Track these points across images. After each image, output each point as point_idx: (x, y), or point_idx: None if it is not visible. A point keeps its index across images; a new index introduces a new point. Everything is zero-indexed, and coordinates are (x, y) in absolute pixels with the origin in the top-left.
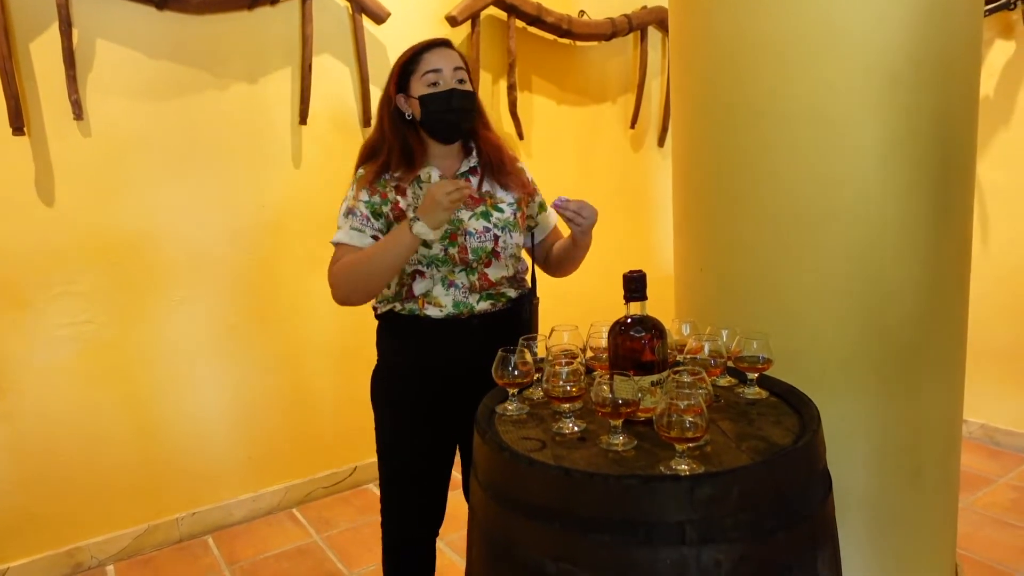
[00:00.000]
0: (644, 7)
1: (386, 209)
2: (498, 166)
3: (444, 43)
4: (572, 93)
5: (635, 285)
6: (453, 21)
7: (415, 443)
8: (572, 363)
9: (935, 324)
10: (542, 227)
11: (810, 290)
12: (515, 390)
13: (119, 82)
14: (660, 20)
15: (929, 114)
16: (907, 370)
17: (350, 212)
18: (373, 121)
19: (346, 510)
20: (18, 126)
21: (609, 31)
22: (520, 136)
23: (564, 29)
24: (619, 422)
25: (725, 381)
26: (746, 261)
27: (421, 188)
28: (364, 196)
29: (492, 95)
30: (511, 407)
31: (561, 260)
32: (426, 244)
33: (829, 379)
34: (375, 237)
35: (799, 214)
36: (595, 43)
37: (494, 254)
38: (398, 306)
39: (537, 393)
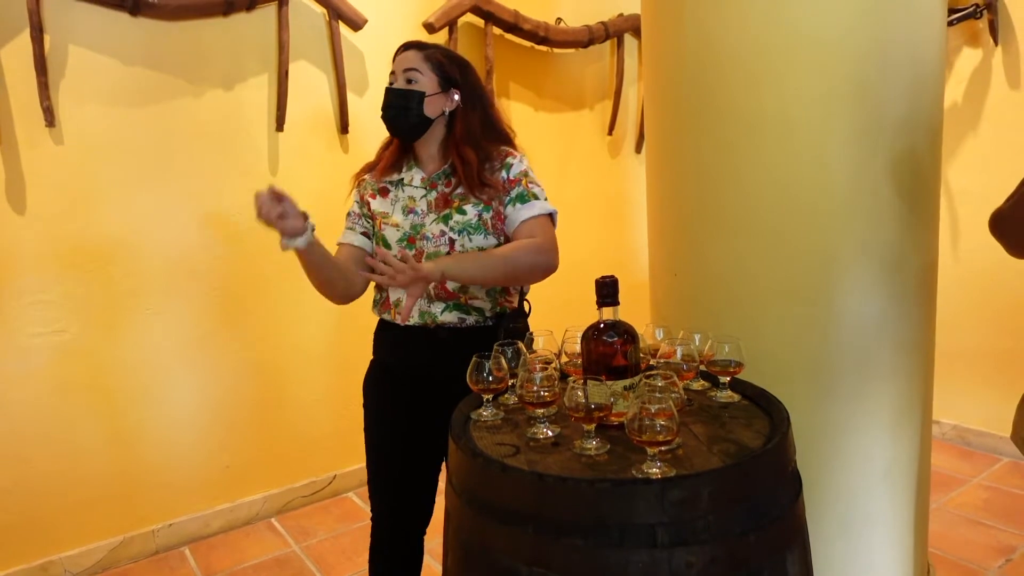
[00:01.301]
0: (621, 15)
1: (365, 209)
2: (466, 178)
3: (411, 46)
4: (550, 100)
5: (607, 290)
6: (430, 28)
7: (394, 443)
8: (546, 368)
9: (902, 326)
10: (511, 220)
11: (779, 294)
12: (490, 396)
13: (92, 89)
14: (636, 27)
15: (896, 123)
16: (875, 372)
17: (349, 213)
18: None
19: (325, 519)
20: None
21: (586, 38)
22: None
23: (541, 36)
24: (592, 426)
25: (698, 385)
26: (716, 266)
27: (403, 190)
28: (355, 195)
29: None
30: (486, 413)
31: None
32: (386, 245)
33: (799, 381)
34: (365, 234)
35: (767, 220)
36: (572, 50)
37: None
38: (378, 311)
39: (512, 399)
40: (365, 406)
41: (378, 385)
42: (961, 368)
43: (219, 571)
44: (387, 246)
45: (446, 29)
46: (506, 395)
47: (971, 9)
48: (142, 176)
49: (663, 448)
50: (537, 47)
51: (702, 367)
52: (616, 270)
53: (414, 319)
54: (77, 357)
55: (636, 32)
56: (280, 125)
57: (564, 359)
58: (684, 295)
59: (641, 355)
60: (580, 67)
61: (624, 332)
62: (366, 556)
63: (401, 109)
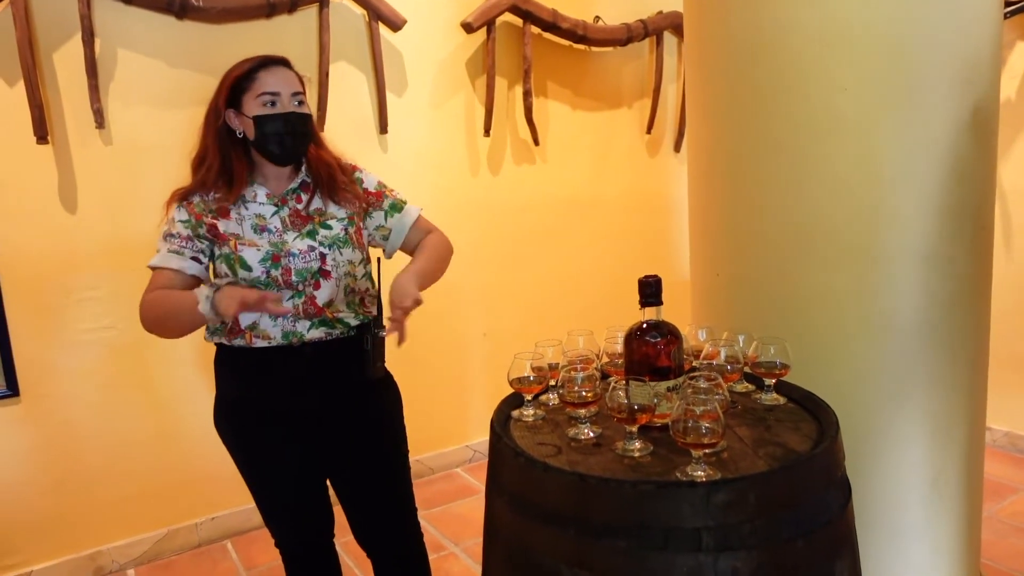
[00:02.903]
0: (660, 12)
1: (202, 231)
2: (329, 182)
3: (282, 62)
4: (587, 99)
5: (650, 290)
6: (468, 28)
7: (274, 472)
8: (588, 368)
9: (953, 331)
10: (398, 230)
11: (826, 297)
12: (531, 395)
13: (140, 91)
14: (676, 25)
15: (948, 122)
16: (926, 377)
17: (168, 235)
18: (198, 135)
19: None
20: (42, 135)
21: (624, 36)
22: (536, 142)
23: (579, 35)
24: (635, 428)
25: (742, 387)
26: (762, 267)
27: (247, 208)
28: (181, 216)
29: (508, 101)
30: (527, 412)
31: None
32: (246, 267)
33: (844, 385)
34: (195, 259)
35: (815, 219)
36: (610, 48)
37: (322, 274)
38: (225, 340)
39: (553, 398)
40: (232, 447)
41: (237, 419)
42: (1013, 373)
43: (259, 565)
44: (247, 268)
45: (484, 28)
46: (546, 394)
47: None
48: (186, 176)
49: (708, 451)
50: (575, 45)
51: (746, 369)
52: (654, 269)
53: (276, 340)
54: (124, 353)
55: (675, 30)
56: (320, 126)
57: (604, 359)
58: (726, 295)
59: (684, 356)
60: (618, 65)
61: (668, 332)
62: None
63: (303, 136)
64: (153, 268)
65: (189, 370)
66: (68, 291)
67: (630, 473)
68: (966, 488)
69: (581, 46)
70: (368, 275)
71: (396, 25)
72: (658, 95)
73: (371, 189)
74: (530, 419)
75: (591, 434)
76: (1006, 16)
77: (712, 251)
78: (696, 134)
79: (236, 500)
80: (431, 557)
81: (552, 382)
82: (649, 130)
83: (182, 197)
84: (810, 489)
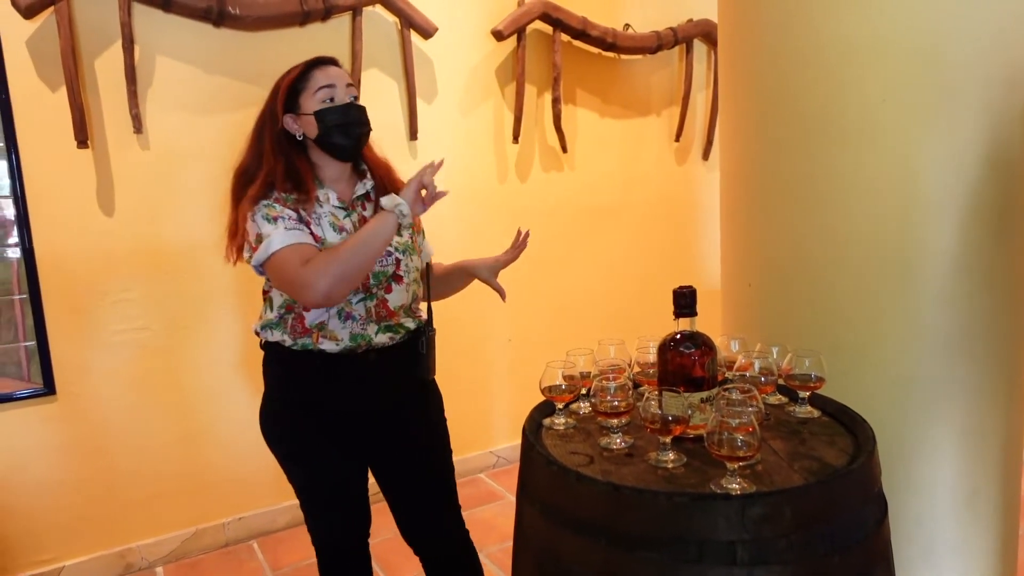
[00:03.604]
0: (690, 20)
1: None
2: (390, 187)
3: (332, 60)
4: (616, 106)
5: (685, 301)
6: (499, 35)
7: (327, 475)
8: (620, 378)
9: (991, 343)
10: (425, 252)
11: (861, 307)
12: (562, 404)
13: (177, 97)
14: (706, 33)
15: (988, 131)
16: (962, 390)
17: (276, 218)
18: (244, 145)
19: (389, 519)
20: (82, 139)
21: (654, 44)
22: (564, 149)
23: (609, 42)
24: (668, 438)
25: (775, 399)
26: (796, 277)
27: (322, 207)
28: (271, 204)
29: (537, 108)
30: (559, 421)
31: (440, 292)
32: None
33: (880, 399)
34: (314, 236)
35: (850, 230)
36: (640, 56)
37: (395, 278)
38: (287, 339)
39: (584, 407)
40: (281, 448)
41: (295, 422)
42: None
43: (285, 566)
44: None
45: (515, 36)
46: (577, 403)
47: None
48: (221, 182)
49: (743, 463)
50: (604, 53)
51: (780, 381)
52: (681, 277)
53: (344, 342)
54: (156, 355)
55: (705, 38)
56: None
57: (636, 369)
58: (759, 306)
59: (717, 367)
60: (647, 73)
61: (702, 343)
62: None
63: (363, 124)
64: (277, 251)
65: (220, 372)
66: (104, 293)
67: (664, 484)
68: (1002, 505)
69: (610, 54)
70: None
71: (428, 33)
72: (687, 103)
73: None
74: (561, 428)
75: (623, 444)
76: None
77: (744, 261)
78: (729, 144)
79: (263, 501)
80: None
81: (583, 391)
82: (678, 138)
83: (259, 197)
84: (846, 505)
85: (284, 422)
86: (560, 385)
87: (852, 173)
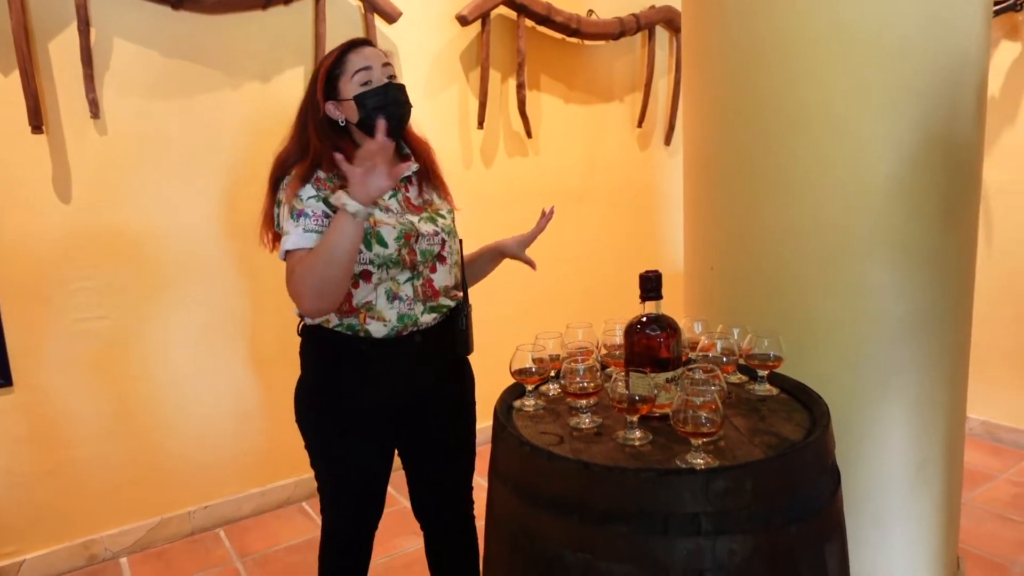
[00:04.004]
0: (652, 6)
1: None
2: (431, 169)
3: (366, 42)
4: (580, 92)
5: (651, 285)
6: (463, 20)
7: (354, 462)
8: (588, 360)
9: (937, 323)
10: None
11: (819, 290)
12: (532, 386)
13: (135, 81)
14: (668, 19)
15: (938, 120)
16: (912, 368)
17: (300, 215)
18: (288, 132)
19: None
20: (37, 124)
21: (617, 30)
22: (528, 134)
23: (573, 28)
24: (636, 417)
25: (736, 378)
26: (756, 261)
27: None
28: (309, 192)
29: (501, 94)
30: (529, 402)
31: (469, 276)
32: (382, 243)
33: (835, 378)
34: None
35: (809, 216)
36: (603, 42)
37: (439, 258)
38: (333, 319)
39: (553, 388)
40: (314, 432)
41: (329, 412)
42: (991, 364)
43: (253, 552)
44: (383, 244)
45: (479, 21)
46: (547, 384)
47: (1011, 2)
48: (181, 167)
49: (707, 439)
50: (568, 39)
51: (741, 361)
52: (645, 260)
53: (391, 322)
54: (117, 344)
55: (667, 24)
56: None
57: (603, 351)
58: (720, 289)
59: (682, 348)
60: (611, 59)
61: (667, 326)
62: (395, 541)
63: (406, 104)
64: (290, 251)
65: (183, 360)
66: (62, 281)
67: (632, 461)
68: (947, 474)
69: (574, 40)
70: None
71: (392, 17)
72: (649, 89)
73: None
74: (531, 409)
75: (592, 424)
76: (994, 14)
77: (706, 245)
78: (693, 131)
79: (229, 489)
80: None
81: (553, 373)
82: (640, 123)
83: (305, 177)
84: (803, 477)
85: (315, 408)
86: (530, 368)
87: (810, 162)
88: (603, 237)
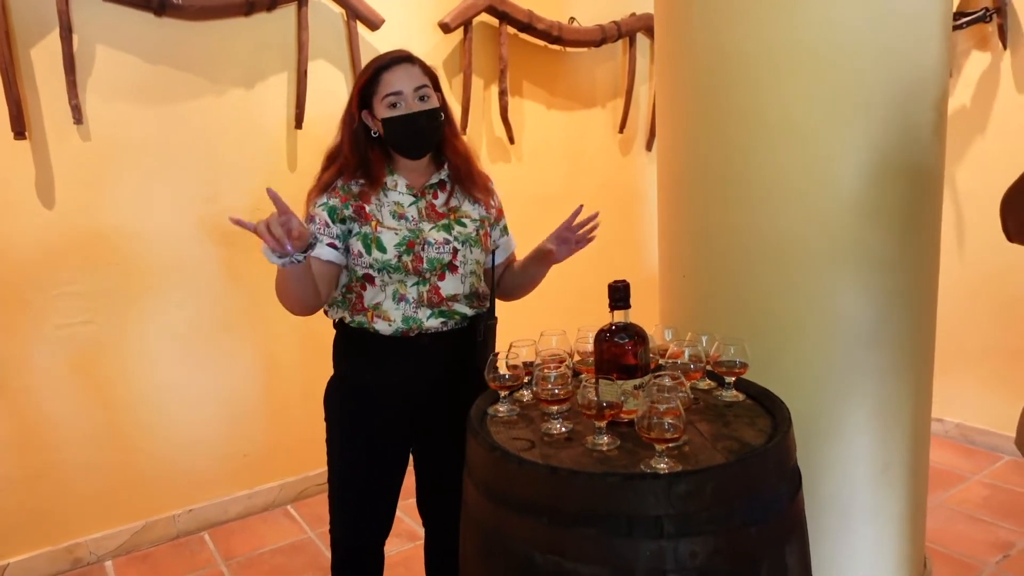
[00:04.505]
0: (633, 14)
1: (348, 212)
2: (467, 177)
3: (404, 59)
4: (562, 98)
5: (620, 294)
6: (446, 28)
7: (366, 459)
8: (560, 367)
9: (900, 328)
10: (502, 250)
11: (784, 297)
12: (506, 392)
13: (118, 87)
14: (649, 27)
15: (899, 130)
16: (875, 372)
17: (309, 220)
18: (337, 131)
19: None
20: (19, 130)
21: (599, 38)
22: (511, 140)
23: (555, 36)
24: (603, 423)
25: (705, 384)
26: (725, 269)
27: (387, 195)
28: (322, 199)
29: (483, 100)
30: (502, 408)
31: (519, 284)
32: (381, 248)
33: (802, 383)
34: (331, 245)
35: (773, 224)
36: (585, 49)
37: (451, 267)
38: (347, 316)
39: (527, 395)
40: (330, 420)
41: (346, 401)
42: (965, 367)
43: (238, 555)
44: (382, 249)
45: (461, 29)
46: (521, 391)
47: (981, 12)
48: (164, 172)
49: (670, 445)
50: (550, 46)
51: (708, 367)
52: (627, 267)
53: (396, 323)
54: (102, 348)
55: (648, 31)
56: (299, 123)
57: (576, 358)
58: (691, 296)
59: (651, 355)
60: (592, 66)
61: (635, 334)
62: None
63: (433, 130)
64: None
65: (168, 365)
66: (45, 286)
67: (598, 466)
68: (913, 476)
69: (556, 47)
70: (482, 274)
71: (374, 24)
72: (631, 95)
73: (498, 205)
74: (505, 415)
75: (563, 429)
76: (963, 26)
77: (679, 252)
78: (665, 141)
79: (214, 492)
80: (409, 546)
81: (526, 379)
82: (622, 129)
83: (323, 187)
84: (763, 480)
85: (335, 403)
86: (504, 375)
87: (774, 172)
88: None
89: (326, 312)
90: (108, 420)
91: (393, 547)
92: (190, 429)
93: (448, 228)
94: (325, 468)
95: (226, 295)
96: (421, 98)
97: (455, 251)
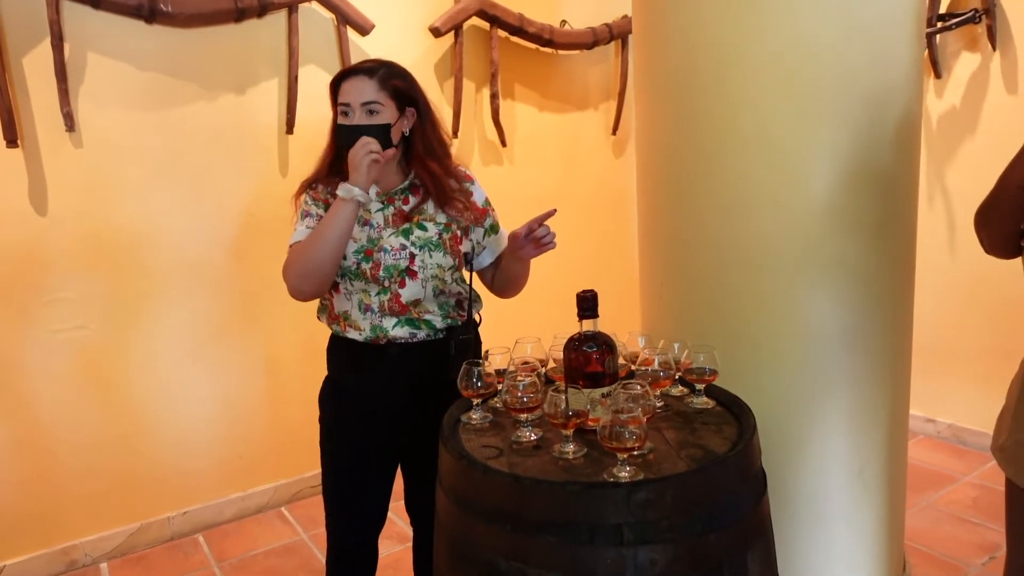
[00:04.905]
0: (625, 16)
1: (322, 212)
2: (437, 192)
3: (361, 71)
4: (554, 101)
5: (587, 304)
6: (436, 32)
7: (354, 460)
8: (531, 375)
9: (873, 335)
10: (489, 251)
11: (758, 303)
12: (479, 400)
13: (110, 94)
14: None
15: (871, 140)
16: (849, 376)
17: (306, 215)
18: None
19: None
20: (11, 138)
21: (590, 40)
22: (503, 143)
23: (546, 39)
24: (570, 431)
25: (677, 391)
26: (699, 275)
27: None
28: (310, 197)
29: (475, 103)
30: (475, 416)
31: (506, 282)
32: (342, 256)
33: (776, 388)
34: None
35: (748, 230)
36: (577, 52)
37: (409, 273)
38: (327, 321)
39: (500, 403)
40: (321, 420)
41: (331, 400)
42: (957, 368)
43: (231, 557)
44: (343, 257)
45: (452, 33)
46: (495, 398)
47: (970, 14)
48: (157, 178)
49: (634, 453)
50: (542, 49)
51: (679, 375)
52: (620, 269)
53: (365, 332)
54: (97, 352)
55: None
56: (290, 128)
57: (552, 364)
58: (670, 302)
59: (623, 362)
60: (584, 68)
61: (603, 343)
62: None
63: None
64: (292, 245)
65: (162, 369)
66: (39, 291)
67: (562, 474)
68: (889, 479)
69: (548, 49)
70: (459, 280)
71: (364, 29)
72: (623, 97)
73: (479, 204)
74: (477, 422)
75: (533, 437)
76: (952, 27)
77: (657, 258)
78: (643, 145)
79: (208, 495)
80: (399, 548)
81: (498, 387)
82: (615, 131)
83: (307, 186)
84: (724, 487)
85: (325, 399)
86: (476, 383)
87: (748, 179)
88: (578, 244)
89: (319, 316)
90: (103, 423)
91: (384, 549)
92: (185, 432)
93: (407, 233)
94: (319, 470)
95: (220, 299)
96: (369, 112)
97: (412, 256)
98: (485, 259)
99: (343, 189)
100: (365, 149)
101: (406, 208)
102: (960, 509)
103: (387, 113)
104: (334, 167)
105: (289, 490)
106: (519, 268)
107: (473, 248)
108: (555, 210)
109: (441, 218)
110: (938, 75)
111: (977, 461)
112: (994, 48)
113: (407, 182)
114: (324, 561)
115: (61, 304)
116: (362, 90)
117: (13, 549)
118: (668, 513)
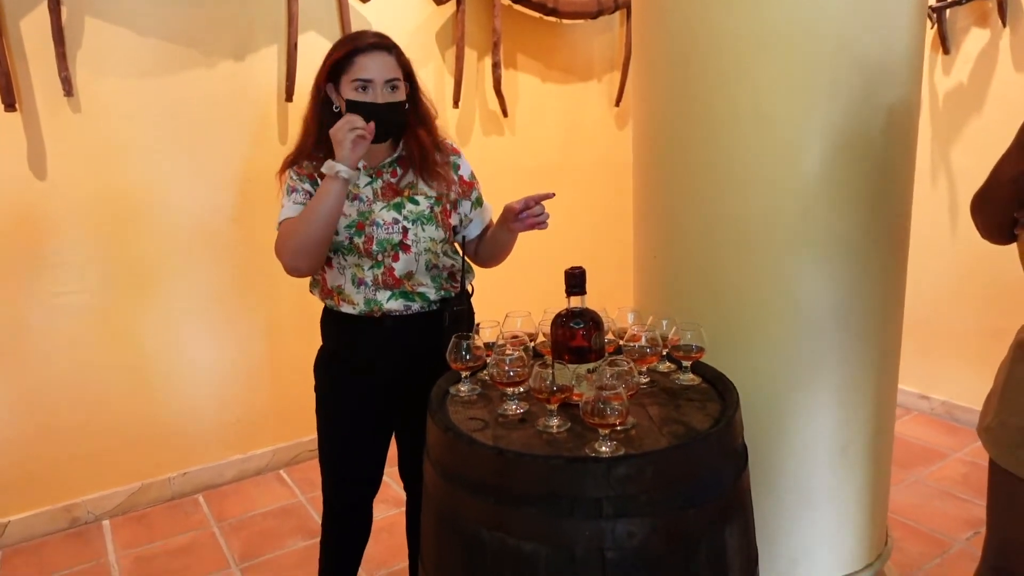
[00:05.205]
0: None
1: (309, 189)
2: (422, 163)
3: (383, 47)
4: (557, 71)
5: (575, 281)
6: (439, 0)
7: (349, 427)
8: (518, 350)
9: (863, 313)
10: (477, 222)
11: (752, 281)
12: (467, 372)
13: (108, 59)
14: None
15: (866, 117)
16: (837, 355)
17: (292, 191)
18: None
19: None
20: (9, 103)
21: (595, 9)
22: (504, 113)
23: (550, 7)
24: (555, 406)
25: (665, 367)
26: (691, 251)
27: None
28: (294, 174)
29: (477, 72)
30: (464, 388)
31: (491, 253)
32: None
33: (764, 366)
34: None
35: (743, 209)
36: (581, 21)
37: (402, 247)
38: (320, 295)
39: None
40: (316, 389)
41: (326, 371)
42: (952, 346)
43: (230, 517)
44: (335, 232)
45: (454, 1)
46: (484, 371)
47: None
48: (156, 144)
49: (616, 428)
50: (545, 18)
51: (665, 351)
52: (622, 241)
53: (359, 306)
54: (98, 315)
55: None
56: (289, 95)
57: (542, 339)
58: (662, 276)
59: (612, 337)
60: (588, 38)
61: (590, 319)
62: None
63: (392, 123)
64: (282, 221)
65: (162, 332)
66: (40, 255)
67: (546, 448)
68: (873, 456)
69: (551, 18)
70: (451, 252)
71: None
72: (627, 68)
73: (465, 177)
74: (466, 395)
75: (519, 410)
76: (962, 2)
77: (651, 234)
78: (640, 123)
79: (209, 456)
80: (393, 512)
81: (487, 360)
82: (618, 103)
83: (291, 163)
84: (704, 463)
85: (320, 369)
86: (464, 355)
87: (743, 157)
88: (580, 216)
89: (311, 290)
90: (106, 385)
91: (379, 512)
92: (186, 394)
93: (399, 207)
94: (316, 434)
95: (219, 264)
96: (392, 88)
97: (405, 230)
98: (472, 231)
99: (327, 166)
100: (348, 125)
101: (394, 181)
102: (949, 485)
103: (403, 90)
104: (323, 143)
105: (288, 453)
106: (506, 239)
107: (461, 221)
108: (554, 193)
109: (431, 191)
110: (947, 51)
111: (969, 438)
112: (1004, 24)
113: (395, 155)
114: (320, 523)
115: (62, 268)
116: (387, 66)
117: (17, 506)
118: (647, 488)
